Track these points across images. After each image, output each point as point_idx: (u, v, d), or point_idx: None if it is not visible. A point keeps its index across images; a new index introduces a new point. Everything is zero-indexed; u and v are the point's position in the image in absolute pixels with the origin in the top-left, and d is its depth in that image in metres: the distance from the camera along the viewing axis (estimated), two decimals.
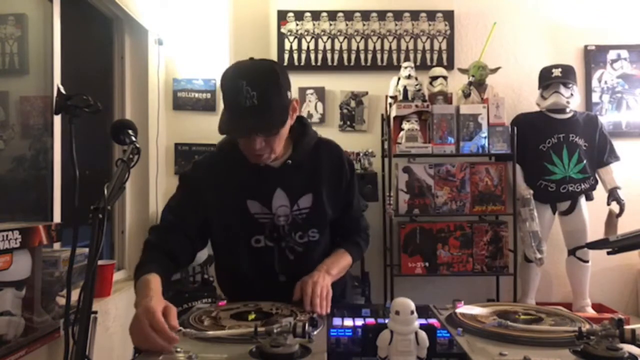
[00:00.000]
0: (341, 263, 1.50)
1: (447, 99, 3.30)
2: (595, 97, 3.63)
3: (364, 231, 1.64)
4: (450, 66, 3.57)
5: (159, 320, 1.02)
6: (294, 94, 3.84)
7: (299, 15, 3.62)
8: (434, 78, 3.35)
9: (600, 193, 3.24)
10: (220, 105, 3.45)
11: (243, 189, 1.43)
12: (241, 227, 1.43)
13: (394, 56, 3.61)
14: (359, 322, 1.17)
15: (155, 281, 1.22)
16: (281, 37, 3.62)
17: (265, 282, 1.44)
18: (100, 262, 2.35)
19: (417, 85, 3.22)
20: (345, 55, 3.62)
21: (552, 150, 3.18)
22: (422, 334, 0.90)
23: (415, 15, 3.62)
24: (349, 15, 3.62)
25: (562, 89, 3.17)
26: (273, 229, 1.44)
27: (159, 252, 1.36)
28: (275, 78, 1.30)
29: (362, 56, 3.62)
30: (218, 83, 3.34)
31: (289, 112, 1.36)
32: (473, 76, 3.24)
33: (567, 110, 3.22)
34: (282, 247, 1.45)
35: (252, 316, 1.23)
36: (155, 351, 0.99)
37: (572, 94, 3.20)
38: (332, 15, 3.62)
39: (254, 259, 1.43)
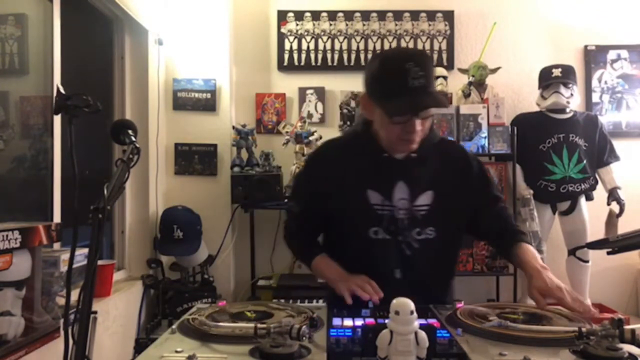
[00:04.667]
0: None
1: (447, 99, 3.30)
2: (595, 97, 3.63)
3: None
4: (450, 66, 3.57)
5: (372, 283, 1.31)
6: (293, 94, 3.85)
7: (299, 15, 3.62)
8: (434, 78, 3.35)
9: (600, 193, 3.24)
10: (221, 105, 3.47)
11: (364, 178, 1.44)
12: (360, 217, 1.43)
13: None
14: (359, 322, 1.17)
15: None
16: (281, 37, 3.62)
17: (380, 277, 1.37)
18: (100, 262, 2.35)
19: None
20: (345, 55, 3.62)
21: (552, 150, 3.18)
22: (422, 334, 0.90)
23: (415, 15, 3.62)
24: (349, 15, 3.62)
25: (562, 89, 3.17)
26: (391, 222, 1.42)
27: (306, 237, 1.55)
28: (432, 62, 1.41)
29: (362, 56, 3.62)
30: (218, 83, 3.38)
31: None
32: (473, 76, 3.24)
33: (567, 110, 3.22)
34: (399, 240, 1.42)
35: (252, 316, 1.23)
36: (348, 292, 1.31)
37: (572, 94, 3.20)
38: (332, 15, 3.62)
39: (371, 251, 1.42)
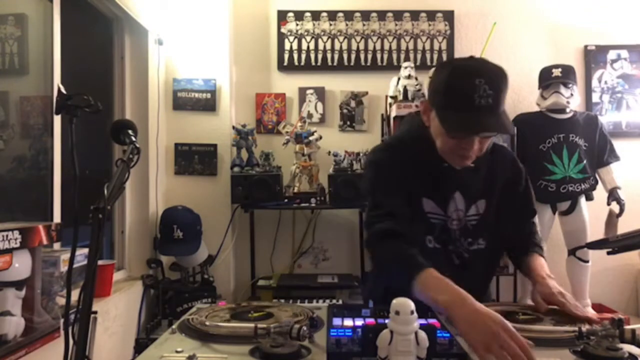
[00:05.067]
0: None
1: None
2: (595, 97, 3.63)
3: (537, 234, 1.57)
4: None
5: (516, 333, 0.97)
6: (293, 94, 3.86)
7: (299, 15, 3.62)
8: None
9: (600, 193, 3.24)
10: (221, 105, 3.48)
11: (421, 185, 1.38)
12: (416, 224, 1.36)
13: (394, 56, 3.61)
14: (359, 322, 1.17)
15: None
16: (281, 37, 3.62)
17: None
18: (100, 262, 2.35)
19: (417, 85, 3.22)
20: (345, 55, 3.62)
21: (552, 150, 3.18)
22: (422, 334, 0.90)
23: (415, 15, 3.62)
24: (349, 15, 3.62)
25: (562, 89, 3.17)
26: (442, 231, 1.39)
27: (406, 244, 1.28)
28: (507, 81, 1.27)
29: (362, 56, 3.62)
30: (218, 83, 3.38)
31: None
32: None
33: (567, 110, 3.22)
34: (449, 250, 1.40)
35: (252, 316, 1.23)
36: None
37: (572, 94, 3.20)
38: (332, 15, 3.62)
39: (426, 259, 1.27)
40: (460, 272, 1.37)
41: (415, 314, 0.91)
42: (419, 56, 3.61)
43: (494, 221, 1.44)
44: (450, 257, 1.40)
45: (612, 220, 3.11)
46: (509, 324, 0.98)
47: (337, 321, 1.17)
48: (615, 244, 1.45)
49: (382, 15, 3.62)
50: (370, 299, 1.29)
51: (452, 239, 1.40)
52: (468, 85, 1.21)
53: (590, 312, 1.26)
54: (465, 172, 1.37)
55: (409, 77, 3.22)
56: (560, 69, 3.19)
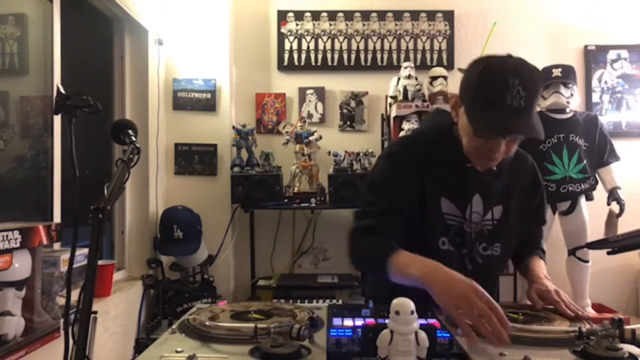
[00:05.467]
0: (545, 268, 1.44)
1: (447, 99, 3.29)
2: (595, 97, 3.63)
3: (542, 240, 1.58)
4: (450, 66, 3.57)
5: (485, 294, 1.03)
6: (293, 94, 3.86)
7: (299, 15, 3.62)
8: (434, 78, 3.34)
9: (600, 193, 3.23)
10: (221, 105, 3.47)
11: (440, 184, 1.35)
12: (431, 225, 1.35)
13: (394, 56, 3.61)
14: (359, 322, 1.17)
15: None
16: (281, 37, 3.62)
17: None
18: (100, 262, 2.35)
19: (417, 85, 3.22)
20: (345, 55, 3.62)
21: (552, 150, 3.18)
22: (422, 334, 0.90)
23: (415, 15, 3.62)
24: (349, 15, 3.62)
25: (562, 89, 3.17)
26: (457, 234, 1.37)
27: (386, 237, 1.29)
28: (542, 84, 1.25)
29: (362, 56, 3.62)
30: (218, 83, 3.38)
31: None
32: None
33: (567, 110, 3.22)
34: (463, 254, 1.38)
35: (252, 316, 1.23)
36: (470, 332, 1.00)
37: (572, 94, 3.20)
38: (332, 15, 3.62)
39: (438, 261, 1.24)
40: (474, 278, 1.35)
41: (415, 314, 0.91)
42: (419, 56, 3.61)
43: (509, 228, 1.42)
44: (463, 261, 1.38)
45: (612, 220, 3.11)
46: (480, 288, 1.05)
47: (337, 321, 1.17)
48: (615, 244, 1.45)
49: (382, 15, 3.62)
50: (373, 298, 1.29)
51: (467, 243, 1.38)
52: (501, 83, 1.17)
53: (591, 312, 1.26)
54: (487, 175, 1.34)
55: (409, 77, 3.22)
56: (560, 69, 3.19)
